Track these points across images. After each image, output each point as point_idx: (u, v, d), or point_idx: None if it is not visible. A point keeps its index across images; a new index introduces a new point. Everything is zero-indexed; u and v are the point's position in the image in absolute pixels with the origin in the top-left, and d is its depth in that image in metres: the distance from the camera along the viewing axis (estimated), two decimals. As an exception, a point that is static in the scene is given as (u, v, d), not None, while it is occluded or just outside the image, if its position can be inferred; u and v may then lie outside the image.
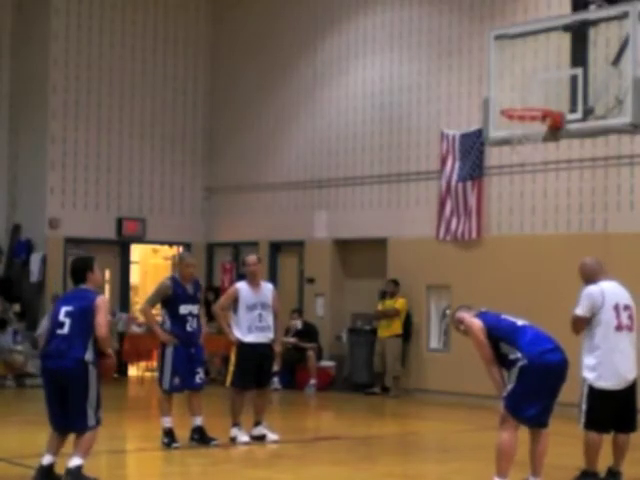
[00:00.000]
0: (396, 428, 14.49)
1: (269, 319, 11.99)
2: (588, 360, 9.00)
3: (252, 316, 11.88)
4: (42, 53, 20.50)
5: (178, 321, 11.45)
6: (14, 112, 21.07)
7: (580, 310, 9.04)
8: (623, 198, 15.25)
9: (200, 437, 11.47)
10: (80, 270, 9.14)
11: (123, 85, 21.17)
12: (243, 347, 11.84)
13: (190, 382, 11.48)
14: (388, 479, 10.25)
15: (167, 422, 11.34)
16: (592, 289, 9.08)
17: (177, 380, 11.37)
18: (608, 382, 8.93)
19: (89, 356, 8.77)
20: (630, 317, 9.09)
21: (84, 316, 8.82)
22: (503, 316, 8.78)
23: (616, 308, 9.02)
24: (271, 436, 11.97)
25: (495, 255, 16.54)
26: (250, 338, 11.83)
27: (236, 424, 11.81)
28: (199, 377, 11.57)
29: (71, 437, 8.88)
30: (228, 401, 12.00)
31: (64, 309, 8.91)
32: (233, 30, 21.61)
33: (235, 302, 11.94)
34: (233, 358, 11.96)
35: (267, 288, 12.22)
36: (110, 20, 20.98)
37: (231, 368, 11.96)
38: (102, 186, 20.88)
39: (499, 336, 8.52)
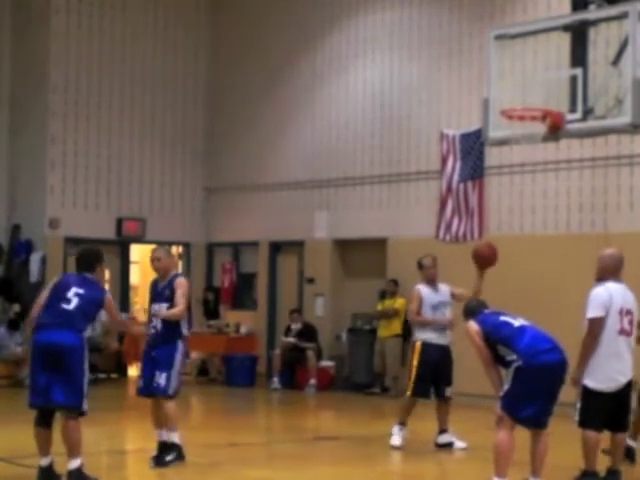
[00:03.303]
0: (396, 428, 14.47)
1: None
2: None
3: (436, 315, 11.85)
4: (42, 53, 20.50)
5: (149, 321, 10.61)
6: (14, 112, 21.06)
7: (593, 312, 8.98)
8: (623, 198, 15.26)
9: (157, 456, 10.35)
10: (91, 260, 9.26)
11: (123, 85, 21.17)
12: (425, 347, 11.77)
13: (151, 387, 10.33)
14: (388, 479, 10.25)
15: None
16: (599, 291, 9.06)
17: (140, 383, 10.48)
18: (602, 384, 8.94)
19: (85, 337, 8.92)
20: (630, 322, 9.10)
21: (92, 303, 8.99)
22: (502, 318, 8.80)
23: (620, 312, 9.02)
24: (459, 444, 11.83)
25: (495, 255, 16.52)
26: (434, 339, 11.82)
27: (401, 423, 11.79)
28: (155, 382, 10.20)
29: (59, 439, 8.89)
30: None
31: (75, 290, 8.96)
32: (233, 30, 21.61)
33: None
34: (415, 361, 11.78)
35: (444, 288, 12.12)
36: (110, 20, 20.98)
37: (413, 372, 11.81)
38: (102, 186, 20.88)
39: (496, 339, 8.60)
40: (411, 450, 12.15)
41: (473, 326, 8.73)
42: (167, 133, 21.69)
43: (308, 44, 20.05)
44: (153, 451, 10.23)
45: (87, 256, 9.35)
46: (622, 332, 9.02)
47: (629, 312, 9.11)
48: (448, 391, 11.87)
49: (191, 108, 21.97)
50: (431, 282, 12.04)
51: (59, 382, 8.69)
